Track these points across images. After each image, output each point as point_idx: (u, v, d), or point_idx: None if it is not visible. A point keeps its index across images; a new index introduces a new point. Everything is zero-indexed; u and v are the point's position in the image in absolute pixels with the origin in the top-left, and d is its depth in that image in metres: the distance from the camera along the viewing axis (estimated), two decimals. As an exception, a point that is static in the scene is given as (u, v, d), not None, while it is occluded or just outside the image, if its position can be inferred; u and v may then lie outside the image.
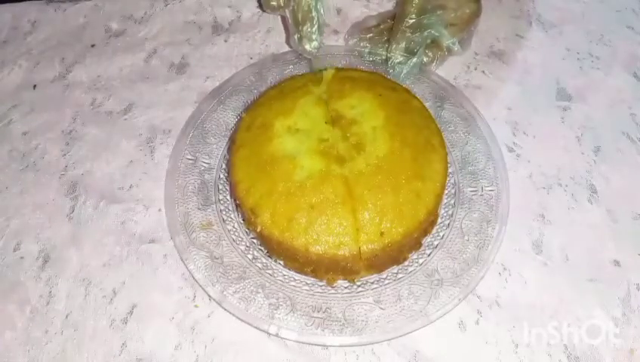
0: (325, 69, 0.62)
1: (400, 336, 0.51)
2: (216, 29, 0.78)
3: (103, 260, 0.57)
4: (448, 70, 0.70)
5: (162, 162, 0.63)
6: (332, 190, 0.52)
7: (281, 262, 0.55)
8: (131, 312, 0.54)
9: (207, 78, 0.71)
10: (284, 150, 0.54)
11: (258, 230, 0.53)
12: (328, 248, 0.51)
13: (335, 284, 0.54)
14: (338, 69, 0.62)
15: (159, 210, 0.60)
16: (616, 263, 0.56)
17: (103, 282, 0.56)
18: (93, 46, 0.76)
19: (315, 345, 0.51)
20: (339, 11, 0.80)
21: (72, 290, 0.55)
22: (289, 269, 0.55)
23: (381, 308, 0.51)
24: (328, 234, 0.51)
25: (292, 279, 0.54)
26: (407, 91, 0.62)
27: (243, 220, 0.58)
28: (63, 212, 0.61)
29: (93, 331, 0.53)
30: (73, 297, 0.55)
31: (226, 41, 0.76)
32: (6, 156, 0.66)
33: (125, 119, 0.69)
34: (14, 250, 0.58)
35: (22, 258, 0.58)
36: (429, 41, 0.66)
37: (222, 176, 0.61)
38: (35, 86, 0.72)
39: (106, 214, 0.60)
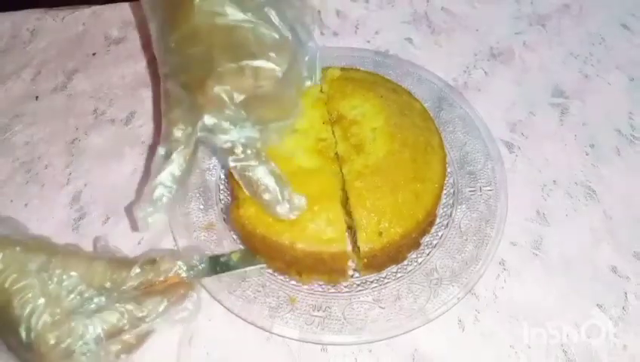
0: (329, 68, 0.65)
1: (399, 335, 0.54)
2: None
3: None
4: (447, 71, 0.75)
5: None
6: (319, 185, 0.55)
7: (265, 265, 0.57)
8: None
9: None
10: (282, 150, 0.57)
11: (242, 223, 0.55)
12: (315, 244, 0.53)
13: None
14: (342, 69, 0.66)
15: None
16: (614, 262, 0.60)
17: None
18: (94, 54, 0.80)
19: (315, 343, 0.54)
20: (338, 13, 0.84)
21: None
22: (274, 271, 0.57)
23: (381, 307, 0.55)
24: (316, 230, 0.54)
25: (292, 278, 0.57)
26: (408, 93, 0.66)
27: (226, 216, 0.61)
28: (67, 224, 0.64)
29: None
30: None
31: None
32: (10, 168, 0.69)
33: (129, 127, 0.72)
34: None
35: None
36: None
37: (222, 175, 0.64)
38: (37, 97, 0.76)
39: (110, 225, 0.64)
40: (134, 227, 0.57)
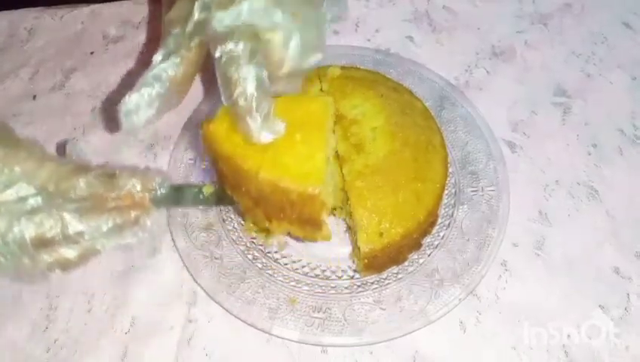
0: (329, 67, 0.64)
1: (400, 337, 0.54)
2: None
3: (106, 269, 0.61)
4: (449, 69, 0.74)
5: (165, 168, 0.66)
6: (309, 111, 0.49)
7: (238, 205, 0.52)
8: (132, 317, 0.57)
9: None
10: None
11: (210, 140, 0.49)
12: (282, 176, 0.46)
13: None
14: (342, 68, 0.65)
15: (162, 215, 0.62)
16: (616, 263, 0.60)
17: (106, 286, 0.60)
18: (92, 53, 0.80)
19: (316, 345, 0.54)
20: (339, 11, 0.84)
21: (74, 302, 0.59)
22: (243, 213, 0.53)
23: (381, 309, 0.55)
24: (289, 161, 0.46)
25: (292, 279, 0.57)
26: (409, 92, 0.66)
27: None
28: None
29: (97, 333, 0.57)
30: (75, 309, 0.59)
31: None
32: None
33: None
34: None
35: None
36: None
37: None
38: (34, 96, 0.76)
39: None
40: (112, 127, 0.51)
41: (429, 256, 0.58)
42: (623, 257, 0.60)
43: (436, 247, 0.59)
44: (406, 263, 0.58)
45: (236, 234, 0.60)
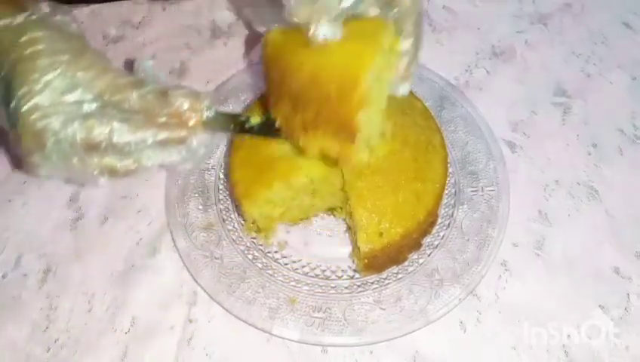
0: None
1: (400, 336, 0.54)
2: (215, 32, 0.82)
3: (106, 269, 0.61)
4: (449, 69, 0.74)
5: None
6: (370, 27, 0.48)
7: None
8: (132, 317, 0.57)
9: (208, 82, 0.75)
10: (283, 151, 0.56)
11: (268, 43, 0.50)
12: (325, 63, 0.46)
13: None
14: None
15: (162, 215, 0.63)
16: (617, 263, 0.60)
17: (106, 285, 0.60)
18: (92, 53, 0.80)
19: (316, 345, 0.54)
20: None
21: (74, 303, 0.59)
22: (283, 126, 0.52)
23: (381, 308, 0.55)
24: (336, 57, 0.46)
25: (292, 279, 0.57)
26: (409, 92, 0.66)
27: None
28: (65, 224, 0.64)
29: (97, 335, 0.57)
30: (75, 309, 0.58)
31: (225, 44, 0.80)
32: (8, 167, 0.68)
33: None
34: (16, 264, 0.61)
35: (25, 275, 0.61)
36: None
37: (222, 176, 0.64)
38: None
39: (109, 225, 0.64)
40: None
41: (429, 256, 0.58)
42: (623, 257, 0.60)
43: (436, 247, 0.59)
44: (406, 263, 0.58)
45: (236, 234, 0.61)
